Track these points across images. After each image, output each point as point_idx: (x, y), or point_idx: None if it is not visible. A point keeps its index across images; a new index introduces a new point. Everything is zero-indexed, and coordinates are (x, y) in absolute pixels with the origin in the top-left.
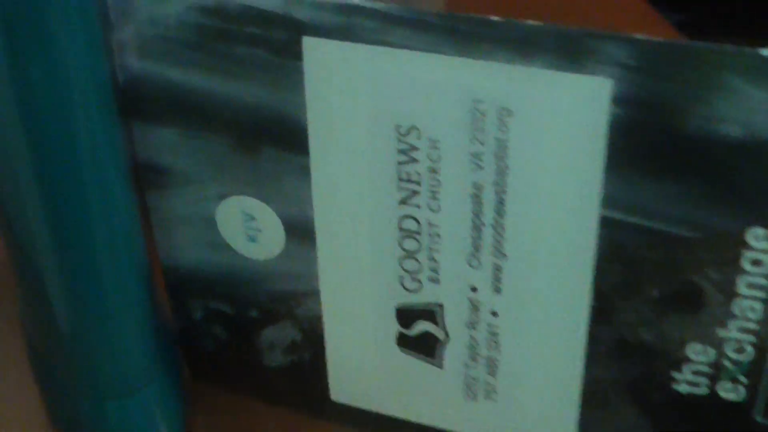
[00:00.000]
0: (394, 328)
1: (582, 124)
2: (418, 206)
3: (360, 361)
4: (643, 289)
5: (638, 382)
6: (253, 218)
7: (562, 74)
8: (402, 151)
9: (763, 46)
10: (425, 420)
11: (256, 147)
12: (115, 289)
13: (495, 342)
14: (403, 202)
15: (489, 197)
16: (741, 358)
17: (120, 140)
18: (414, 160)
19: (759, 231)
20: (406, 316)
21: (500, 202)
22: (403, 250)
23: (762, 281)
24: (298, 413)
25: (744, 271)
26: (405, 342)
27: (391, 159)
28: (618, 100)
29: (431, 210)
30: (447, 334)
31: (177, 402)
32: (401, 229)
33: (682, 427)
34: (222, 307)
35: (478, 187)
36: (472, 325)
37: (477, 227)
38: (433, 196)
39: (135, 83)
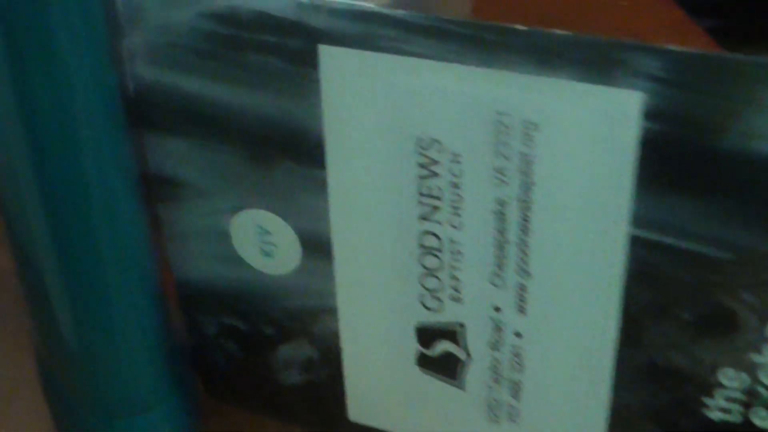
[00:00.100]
0: (414, 347)
1: (611, 139)
2: (439, 222)
3: (378, 381)
4: (673, 311)
5: (667, 407)
6: (268, 232)
7: (590, 86)
8: (422, 165)
9: None
10: None
11: (271, 159)
12: (123, 306)
13: (519, 363)
14: (423, 217)
15: (513, 214)
16: None
17: (128, 151)
18: (435, 175)
19: None
20: (426, 335)
21: (525, 219)
22: (424, 267)
23: None
24: None
25: None
26: (425, 362)
27: (411, 173)
28: (649, 115)
29: (453, 226)
30: (469, 355)
31: (188, 420)
32: (421, 245)
33: None
34: (236, 323)
35: (501, 204)
36: (495, 345)
37: (500, 245)
38: (455, 212)
39: (145, 92)
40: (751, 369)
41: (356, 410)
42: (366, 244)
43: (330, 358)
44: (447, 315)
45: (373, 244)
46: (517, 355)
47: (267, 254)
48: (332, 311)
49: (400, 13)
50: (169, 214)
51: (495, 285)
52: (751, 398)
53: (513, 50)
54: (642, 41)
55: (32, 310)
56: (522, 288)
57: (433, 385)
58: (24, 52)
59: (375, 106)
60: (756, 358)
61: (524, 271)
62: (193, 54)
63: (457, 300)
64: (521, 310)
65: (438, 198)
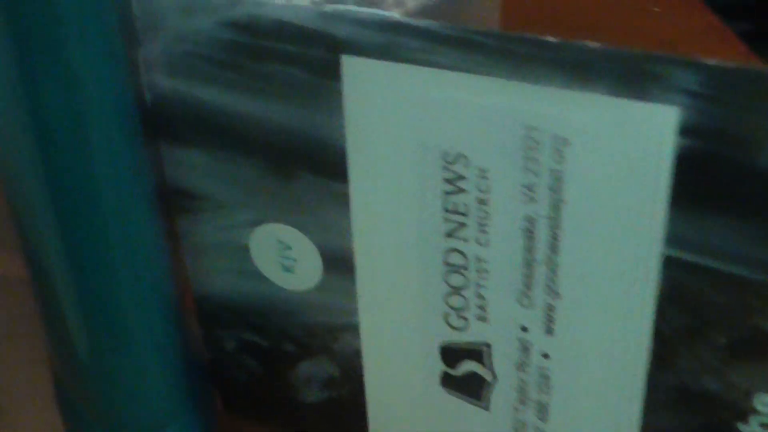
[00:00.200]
0: (438, 367)
1: (645, 156)
2: (465, 240)
3: (401, 400)
4: (707, 334)
5: None
6: (288, 247)
7: (623, 101)
8: (448, 180)
9: None
10: None
11: (292, 172)
12: (138, 321)
13: (546, 385)
14: (449, 234)
15: (542, 232)
16: None
17: (144, 163)
18: (461, 191)
19: None
20: (451, 354)
21: (554, 238)
22: (449, 285)
23: None
24: None
25: None
26: (449, 382)
27: (436, 188)
28: (684, 130)
29: (479, 244)
30: (494, 376)
31: None
32: (447, 263)
33: None
34: (255, 338)
35: (530, 221)
36: (521, 366)
37: (528, 263)
38: (482, 229)
39: (163, 102)
40: None
41: (378, 430)
42: (389, 260)
43: (351, 376)
44: (472, 334)
45: (396, 260)
46: (544, 376)
47: (287, 269)
48: (354, 329)
49: (426, 23)
50: (187, 227)
51: (522, 304)
52: None
53: (543, 63)
54: (678, 54)
55: (46, 324)
56: (550, 308)
57: (457, 405)
58: (36, 62)
59: (399, 118)
60: None
61: (553, 291)
62: (211, 63)
63: (482, 319)
64: (549, 330)
65: (464, 214)
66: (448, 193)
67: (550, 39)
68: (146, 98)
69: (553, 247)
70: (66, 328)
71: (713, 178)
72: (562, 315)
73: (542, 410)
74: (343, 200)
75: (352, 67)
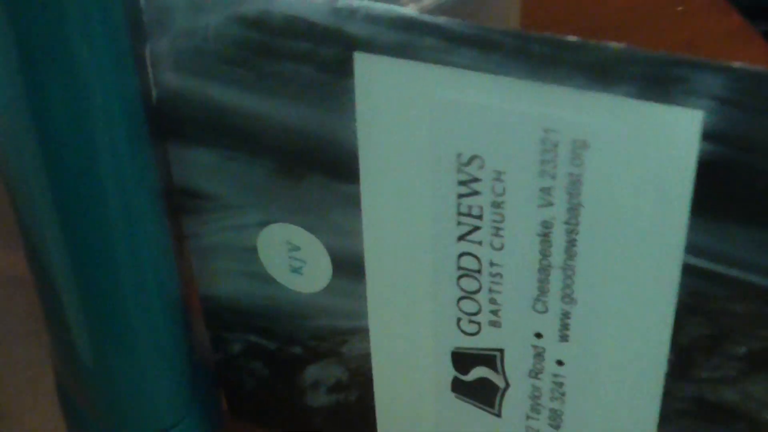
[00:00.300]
0: (449, 372)
1: (667, 161)
2: (479, 243)
3: (411, 406)
4: (727, 344)
5: None
6: (297, 248)
7: (645, 104)
8: (462, 183)
9: None
10: None
11: (302, 172)
12: (141, 323)
13: (560, 393)
14: (462, 237)
15: (559, 237)
16: None
17: (150, 162)
18: (476, 193)
19: None
20: (462, 360)
21: (571, 243)
22: (461, 289)
23: None
24: None
25: None
26: (461, 388)
27: (450, 191)
28: (709, 135)
29: (493, 248)
30: (507, 382)
31: None
32: (459, 267)
33: None
34: (263, 341)
35: (546, 226)
36: (534, 373)
37: (544, 269)
38: (496, 232)
39: (170, 100)
40: None
41: None
42: (400, 263)
43: (360, 380)
44: (485, 340)
45: (407, 263)
46: (558, 384)
47: (295, 271)
48: (363, 332)
49: (442, 20)
50: (193, 227)
51: (537, 310)
52: None
53: (563, 64)
54: (702, 57)
55: (49, 326)
56: (565, 315)
57: (469, 412)
58: (39, 57)
59: (413, 118)
60: None
61: (569, 297)
62: (220, 60)
63: (496, 325)
64: (564, 337)
65: (478, 218)
66: (461, 195)
67: (571, 39)
68: (153, 95)
69: (570, 252)
70: (69, 329)
71: (737, 184)
72: (578, 322)
73: (555, 418)
74: (353, 201)
75: (365, 64)
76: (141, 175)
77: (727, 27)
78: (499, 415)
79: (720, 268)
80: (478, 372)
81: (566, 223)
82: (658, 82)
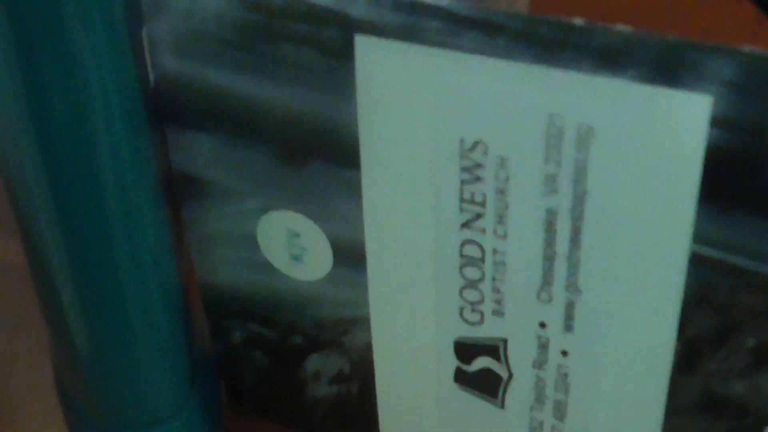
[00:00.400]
0: (452, 362)
1: (674, 147)
2: (482, 231)
3: (413, 396)
4: (735, 336)
5: None
6: (297, 235)
7: (653, 89)
8: (465, 169)
9: None
10: None
11: (302, 158)
12: (139, 312)
13: (564, 384)
14: (465, 225)
15: (564, 225)
16: None
17: (148, 148)
18: (479, 180)
19: None
20: (465, 350)
21: (576, 231)
22: (464, 278)
23: None
24: None
25: None
26: (463, 378)
27: (453, 177)
28: (717, 121)
29: (497, 236)
30: (510, 373)
31: (208, 429)
32: (462, 255)
33: None
34: (263, 330)
35: (551, 213)
36: (538, 364)
37: (548, 258)
38: (500, 220)
39: (168, 84)
40: None
41: (388, 426)
42: (402, 251)
43: (361, 370)
44: (488, 330)
45: (409, 251)
46: (562, 374)
47: (296, 259)
48: (365, 321)
49: (446, 3)
50: (192, 214)
51: (541, 300)
52: None
53: (569, 47)
54: (712, 41)
55: (47, 316)
56: (570, 304)
57: (471, 402)
58: (35, 41)
59: (415, 103)
60: None
61: (573, 287)
62: (219, 43)
63: (499, 314)
64: (568, 327)
65: (482, 205)
66: (464, 182)
67: (578, 22)
68: (151, 79)
69: (575, 241)
70: (66, 319)
71: (746, 172)
72: (583, 312)
73: (560, 409)
74: (354, 188)
75: (366, 47)
76: (139, 162)
77: (740, 16)
78: (502, 406)
79: (728, 258)
80: (481, 362)
81: (571, 211)
82: (666, 66)
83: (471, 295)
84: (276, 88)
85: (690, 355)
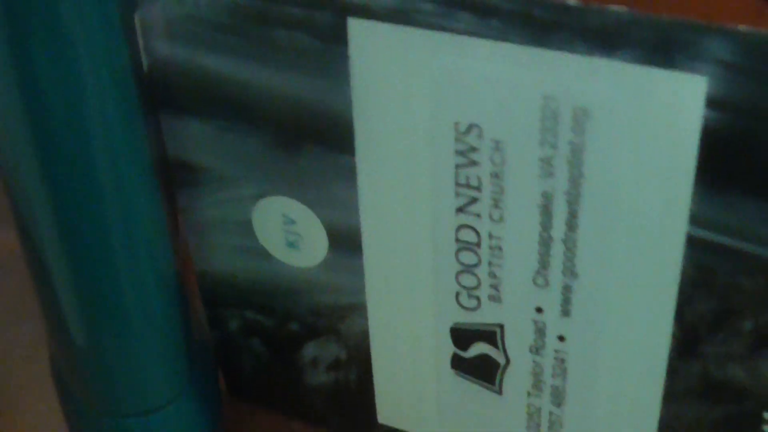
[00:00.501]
0: (449, 348)
1: (670, 129)
2: (477, 215)
3: (410, 383)
4: (734, 320)
5: (724, 422)
6: (292, 221)
7: (649, 69)
8: (460, 153)
9: None
10: None
11: (296, 143)
12: (135, 300)
13: (561, 369)
14: (460, 209)
15: (560, 208)
16: None
17: (142, 134)
18: (474, 163)
19: None
20: (462, 336)
21: (572, 215)
22: (460, 263)
23: None
24: None
25: None
26: (460, 365)
27: (447, 161)
28: (713, 102)
29: (493, 220)
30: (507, 359)
31: (207, 420)
32: (458, 240)
33: None
34: (259, 318)
35: (547, 197)
36: (535, 349)
37: (545, 242)
38: (495, 204)
39: (162, 70)
40: None
41: (386, 413)
42: (397, 237)
43: (359, 357)
44: (485, 315)
45: (405, 237)
46: (559, 360)
47: (291, 245)
48: (361, 308)
49: None
50: (187, 201)
51: (537, 285)
52: None
53: (564, 29)
54: (707, 21)
55: (42, 305)
56: (567, 289)
57: (469, 389)
58: (25, 26)
59: (409, 86)
60: None
61: (570, 271)
62: (213, 28)
63: (495, 299)
64: (566, 312)
65: (477, 189)
66: (459, 166)
67: (572, 2)
68: (143, 65)
69: (571, 224)
70: (62, 307)
71: (742, 153)
72: (580, 296)
73: (557, 396)
74: (349, 173)
75: (359, 30)
76: (133, 148)
77: (742, 3)
78: (499, 392)
79: (725, 241)
80: (478, 348)
81: (567, 194)
82: (661, 46)
83: (467, 280)
84: (270, 72)
85: (688, 339)
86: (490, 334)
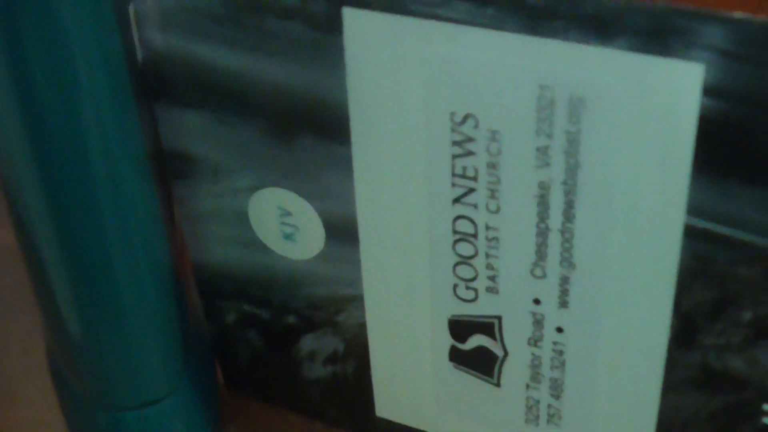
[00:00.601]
0: (447, 341)
1: (667, 117)
2: (474, 206)
3: (408, 376)
4: (732, 310)
5: (722, 413)
6: (288, 213)
7: (645, 57)
8: (456, 143)
9: None
10: None
11: (291, 134)
12: (131, 292)
13: (560, 361)
14: (457, 200)
15: (556, 199)
16: None
17: (137, 125)
18: (470, 153)
19: None
20: (459, 328)
21: (569, 205)
22: (457, 255)
23: None
24: (340, 429)
25: None
26: (458, 357)
27: (444, 151)
28: (710, 90)
29: (489, 211)
30: (505, 351)
31: (204, 413)
32: (455, 231)
33: None
34: (256, 310)
35: (544, 187)
36: (533, 341)
37: (542, 232)
38: (492, 195)
39: (156, 60)
40: None
41: (384, 406)
42: (394, 228)
43: (356, 350)
44: (482, 307)
45: (401, 228)
46: (558, 352)
47: (288, 237)
48: (358, 300)
49: None
50: (183, 192)
51: (535, 276)
52: None
53: (559, 16)
54: (703, 8)
55: (38, 297)
56: (565, 280)
57: (467, 381)
58: (17, 17)
59: (405, 76)
60: None
61: (567, 262)
62: (208, 18)
63: (493, 291)
64: (563, 303)
65: (473, 179)
66: (456, 156)
67: None
68: (138, 55)
69: (568, 214)
70: (57, 300)
71: (740, 141)
72: (578, 287)
73: (556, 388)
74: (345, 163)
75: (353, 20)
76: (127, 139)
77: None
78: (498, 384)
79: (724, 230)
80: (476, 340)
81: (564, 183)
82: (657, 34)
83: (464, 271)
84: (264, 62)
85: (686, 329)
86: (488, 326)
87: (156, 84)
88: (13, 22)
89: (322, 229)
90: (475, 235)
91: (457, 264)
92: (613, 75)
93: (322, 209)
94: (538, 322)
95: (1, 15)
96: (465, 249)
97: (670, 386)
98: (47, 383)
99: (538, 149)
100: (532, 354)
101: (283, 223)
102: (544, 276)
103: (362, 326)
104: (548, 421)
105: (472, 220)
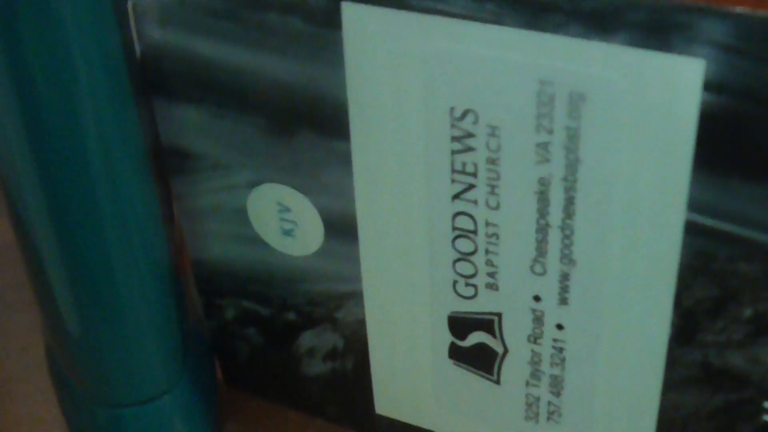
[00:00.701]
0: (446, 338)
1: (667, 113)
2: (474, 202)
3: (408, 372)
4: (733, 307)
5: (723, 411)
6: (287, 209)
7: (645, 52)
8: (456, 139)
9: None
10: None
11: (290, 129)
12: (130, 289)
13: (560, 358)
14: (456, 196)
15: (556, 195)
16: None
17: (135, 121)
18: (470, 149)
19: None
20: (459, 325)
21: (569, 201)
22: (457, 251)
23: None
24: (340, 426)
25: None
26: (458, 354)
27: (443, 147)
28: (711, 85)
29: (489, 207)
30: (505, 348)
31: (204, 409)
32: (454, 227)
33: None
34: (255, 307)
35: (544, 183)
36: (533, 338)
37: (542, 229)
38: (492, 191)
39: (155, 55)
40: None
41: (383, 403)
42: (393, 224)
43: (355, 347)
44: (482, 304)
45: (401, 224)
46: (558, 349)
47: (287, 233)
48: (357, 297)
49: None
50: (182, 188)
51: (535, 272)
52: None
53: (559, 11)
54: (704, 3)
55: (37, 295)
56: (565, 276)
57: (467, 378)
58: (16, 12)
59: (404, 71)
60: None
61: (567, 258)
62: (206, 13)
63: (493, 287)
64: (563, 300)
65: (473, 175)
66: (455, 152)
67: None
68: (136, 50)
69: (568, 210)
70: (56, 297)
71: (740, 137)
72: (578, 284)
73: (556, 385)
74: (344, 159)
75: (353, 14)
76: (126, 136)
77: None
78: (498, 382)
79: (724, 226)
80: (476, 337)
81: (564, 179)
82: (657, 29)
83: (464, 268)
84: (263, 58)
85: (687, 326)
86: (488, 323)
87: (154, 79)
88: (12, 18)
89: (321, 226)
90: (474, 232)
91: (456, 260)
92: (614, 70)
93: (321, 205)
94: (538, 319)
95: (0, 12)
96: (465, 245)
97: (670, 384)
98: (46, 381)
99: (538, 145)
100: (532, 351)
101: (282, 219)
102: (544, 273)
103: (361, 323)
104: (548, 419)
105: (471, 217)
